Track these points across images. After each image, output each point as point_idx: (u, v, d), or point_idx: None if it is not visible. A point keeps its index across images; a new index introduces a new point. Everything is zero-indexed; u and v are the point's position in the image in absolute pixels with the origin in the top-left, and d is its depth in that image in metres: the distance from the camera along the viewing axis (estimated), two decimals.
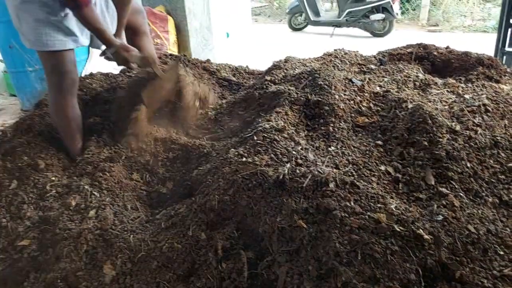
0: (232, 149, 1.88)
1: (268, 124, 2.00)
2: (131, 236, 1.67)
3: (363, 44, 7.40)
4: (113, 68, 3.28)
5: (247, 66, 3.68)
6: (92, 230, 1.70)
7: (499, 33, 3.94)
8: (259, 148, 1.83)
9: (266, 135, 1.91)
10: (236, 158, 1.78)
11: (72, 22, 2.13)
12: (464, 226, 1.42)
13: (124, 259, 1.59)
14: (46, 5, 2.04)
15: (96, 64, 3.69)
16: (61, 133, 2.32)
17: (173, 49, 4.54)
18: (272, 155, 1.78)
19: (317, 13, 8.65)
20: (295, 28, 9.33)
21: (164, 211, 1.80)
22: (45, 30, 2.06)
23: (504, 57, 3.96)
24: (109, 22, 2.34)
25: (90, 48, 3.69)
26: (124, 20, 2.43)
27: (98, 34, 2.18)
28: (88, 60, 3.76)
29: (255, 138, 1.91)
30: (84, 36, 2.25)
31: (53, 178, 2.05)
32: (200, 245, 1.55)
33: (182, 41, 4.65)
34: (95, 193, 1.92)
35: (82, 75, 3.17)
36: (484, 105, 1.96)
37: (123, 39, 2.45)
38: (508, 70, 2.73)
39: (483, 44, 5.70)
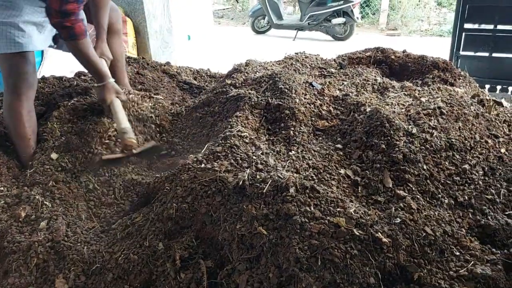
0: (191, 155, 1.83)
1: (228, 129, 1.97)
2: (85, 247, 1.59)
3: (325, 48, 7.50)
4: (70, 71, 3.16)
5: (208, 69, 3.64)
6: (43, 242, 1.61)
7: (454, 37, 4.08)
8: (218, 154, 1.79)
9: (226, 140, 1.87)
10: (194, 164, 1.74)
11: (30, 24, 2.03)
12: (422, 228, 1.44)
13: (77, 272, 1.52)
14: (5, 6, 1.96)
15: (51, 67, 3.54)
16: (14, 137, 2.21)
17: (132, 52, 4.43)
18: (232, 161, 1.75)
19: (279, 17, 8.71)
20: (258, 31, 9.36)
21: (120, 220, 1.73)
22: (3, 31, 1.98)
23: (459, 60, 4.11)
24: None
25: (44, 50, 3.54)
26: (105, 23, 2.39)
27: (90, 65, 2.16)
28: (41, 63, 3.61)
29: (215, 143, 1.88)
30: (42, 39, 2.16)
31: (2, 188, 1.93)
32: (157, 256, 1.49)
33: (142, 44, 4.55)
34: (47, 203, 1.83)
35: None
36: (439, 108, 2.00)
37: (104, 43, 2.40)
38: (462, 73, 2.83)
39: (439, 48, 5.90)
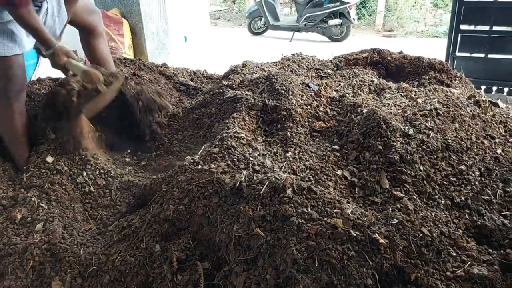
0: (188, 157, 1.83)
1: (224, 130, 1.97)
2: (82, 249, 1.59)
3: (322, 49, 7.51)
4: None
5: (205, 70, 3.63)
6: (39, 244, 1.61)
7: (450, 38, 4.10)
8: (215, 155, 1.79)
9: (222, 142, 1.87)
10: (191, 166, 1.73)
11: (18, 25, 2.02)
12: (418, 229, 1.44)
13: (74, 274, 1.51)
14: None
15: (47, 68, 3.53)
16: (7, 141, 2.20)
17: (128, 53, 4.42)
18: (229, 162, 1.75)
19: (276, 18, 8.72)
20: (255, 32, 9.36)
21: (117, 222, 1.73)
22: None
23: (455, 61, 4.13)
24: (57, 27, 2.26)
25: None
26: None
27: (35, 34, 2.07)
28: (37, 64, 3.59)
29: (211, 144, 1.88)
30: (31, 39, 2.15)
31: None
32: (154, 257, 1.49)
33: (138, 45, 4.54)
34: (43, 205, 1.82)
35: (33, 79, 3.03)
36: (436, 109, 2.01)
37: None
38: (458, 74, 2.84)
39: (435, 49, 5.92)
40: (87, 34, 2.52)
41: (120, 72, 2.52)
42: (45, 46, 2.16)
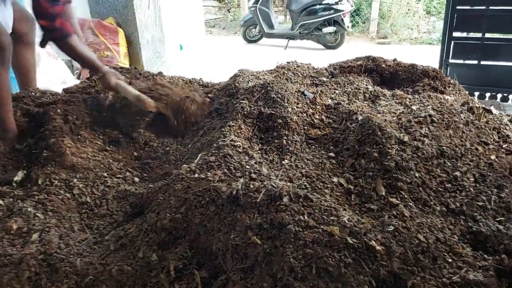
0: (184, 165, 1.84)
1: (221, 138, 1.97)
2: (78, 259, 1.58)
3: (316, 56, 7.57)
4: (61, 82, 3.16)
5: (200, 78, 3.64)
6: (35, 255, 1.59)
7: (443, 45, 4.15)
8: (212, 163, 1.80)
9: (219, 150, 1.88)
10: (188, 174, 1.74)
11: None
12: (414, 235, 1.45)
13: (70, 285, 1.50)
14: None
15: (43, 78, 3.53)
16: None
17: (124, 62, 4.43)
18: (226, 170, 1.75)
19: (271, 26, 8.79)
20: (250, 40, 9.42)
21: (113, 231, 1.72)
22: None
23: (448, 68, 4.17)
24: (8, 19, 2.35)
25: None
26: None
27: (86, 61, 2.27)
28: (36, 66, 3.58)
29: (208, 153, 1.88)
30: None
31: None
32: (151, 267, 1.49)
33: (134, 54, 4.55)
34: (39, 215, 1.81)
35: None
36: (430, 115, 2.02)
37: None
38: (452, 81, 2.86)
39: (429, 56, 5.97)
40: (16, 40, 2.53)
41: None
42: (95, 69, 2.33)
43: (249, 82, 2.71)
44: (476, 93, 4.14)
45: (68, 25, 2.19)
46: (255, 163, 1.85)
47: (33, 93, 2.70)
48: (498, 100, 4.14)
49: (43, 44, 2.34)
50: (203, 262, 1.50)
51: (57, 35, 2.16)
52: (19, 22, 2.49)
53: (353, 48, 8.27)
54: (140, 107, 2.35)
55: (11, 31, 2.41)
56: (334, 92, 2.58)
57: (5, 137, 2.29)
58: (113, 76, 2.40)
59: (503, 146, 2.04)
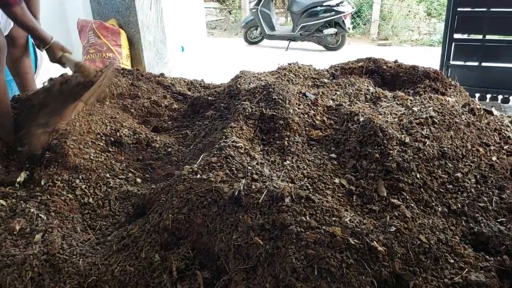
0: (186, 166, 1.84)
1: (223, 139, 1.98)
2: (81, 260, 1.58)
3: (317, 58, 7.56)
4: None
5: (202, 80, 3.65)
6: (38, 255, 1.60)
7: (444, 47, 4.16)
8: (214, 164, 1.80)
9: (221, 151, 1.88)
10: (190, 175, 1.74)
11: None
12: (416, 236, 1.45)
13: (73, 285, 1.50)
14: None
15: (48, 69, 3.53)
16: None
17: (126, 63, 4.44)
18: (227, 171, 1.76)
19: (272, 27, 8.79)
20: (251, 42, 9.42)
21: (116, 232, 1.73)
22: None
23: (449, 69, 4.18)
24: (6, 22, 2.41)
25: (37, 55, 3.55)
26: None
27: (30, 32, 2.29)
28: (38, 67, 3.59)
29: (210, 154, 1.89)
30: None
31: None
32: (154, 267, 1.49)
33: (136, 55, 4.56)
34: (42, 216, 1.82)
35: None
36: (431, 117, 2.03)
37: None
38: (453, 82, 2.87)
39: (430, 57, 5.98)
40: (11, 44, 2.56)
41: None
42: (41, 42, 2.36)
43: (251, 84, 2.72)
44: (477, 95, 4.14)
45: None
46: (257, 164, 1.85)
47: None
48: (499, 101, 4.14)
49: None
50: (205, 263, 1.51)
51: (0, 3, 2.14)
52: (14, 26, 2.52)
53: (354, 50, 8.27)
54: (80, 73, 2.36)
55: (7, 33, 2.45)
56: (336, 94, 2.59)
57: (6, 138, 2.30)
58: (59, 49, 2.42)
59: (504, 147, 2.05)
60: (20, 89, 2.85)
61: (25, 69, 2.75)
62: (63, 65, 2.48)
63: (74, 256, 1.61)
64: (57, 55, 2.41)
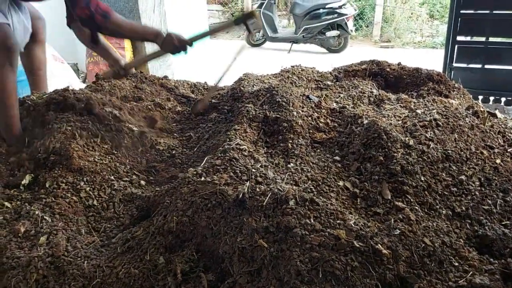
0: (190, 168, 1.85)
1: (226, 142, 1.98)
2: (85, 262, 1.59)
3: (320, 60, 7.57)
4: (67, 86, 3.17)
5: (205, 82, 3.66)
6: (42, 257, 1.60)
7: (447, 49, 4.16)
8: (218, 167, 1.81)
9: (225, 153, 1.89)
10: (194, 177, 1.75)
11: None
12: (420, 239, 1.45)
13: (78, 287, 1.51)
14: None
15: (52, 75, 3.53)
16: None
17: None
18: (232, 174, 1.76)
19: (274, 30, 8.81)
20: (254, 44, 9.44)
21: (120, 234, 1.73)
22: None
23: (452, 72, 4.17)
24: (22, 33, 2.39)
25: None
26: None
27: (136, 32, 2.35)
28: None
29: (214, 156, 1.89)
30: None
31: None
32: (158, 270, 1.50)
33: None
34: (47, 218, 1.83)
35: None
36: (435, 119, 2.03)
37: None
38: (456, 85, 2.87)
39: (433, 59, 5.98)
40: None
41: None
42: (152, 37, 2.36)
43: (254, 86, 2.73)
44: (480, 97, 4.14)
45: (102, 4, 2.16)
46: (261, 166, 1.86)
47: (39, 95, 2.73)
48: (502, 103, 4.14)
49: (94, 41, 2.37)
50: (209, 265, 1.51)
51: (99, 20, 2.13)
52: (33, 19, 2.52)
53: (357, 52, 8.27)
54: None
55: (29, 36, 2.46)
56: (339, 96, 2.59)
57: (12, 141, 2.31)
58: (176, 38, 2.37)
59: (508, 150, 2.05)
60: (31, 85, 2.86)
61: (38, 65, 2.74)
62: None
63: (79, 258, 1.62)
64: (180, 42, 2.37)
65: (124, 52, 4.38)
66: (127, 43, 4.43)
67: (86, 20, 2.14)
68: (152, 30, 2.30)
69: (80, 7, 2.09)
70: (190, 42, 2.39)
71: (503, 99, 4.16)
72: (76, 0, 2.10)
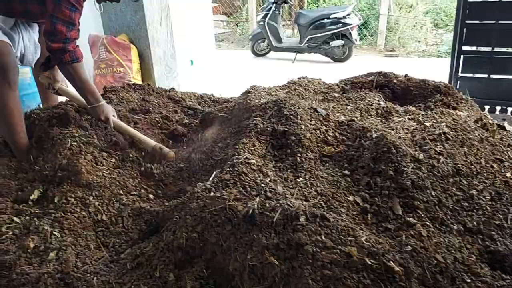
0: (199, 183, 1.84)
1: (235, 156, 1.98)
2: (95, 278, 1.59)
3: (325, 69, 7.59)
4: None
5: (212, 94, 3.67)
6: (52, 273, 1.60)
7: (453, 59, 4.15)
8: (227, 182, 1.80)
9: (233, 168, 1.88)
10: (203, 192, 1.74)
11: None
12: (432, 255, 1.43)
13: None
14: None
15: None
16: (3, 126, 2.30)
17: (136, 78, 4.48)
18: (241, 189, 1.75)
19: (279, 40, 8.84)
20: (258, 54, 9.48)
21: (129, 250, 1.73)
22: None
23: (458, 82, 4.17)
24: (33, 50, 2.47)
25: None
26: None
27: (85, 88, 2.34)
28: None
29: (222, 170, 1.89)
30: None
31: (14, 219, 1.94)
32: (168, 286, 1.49)
33: (146, 70, 4.60)
34: (56, 233, 1.83)
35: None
36: (445, 133, 2.02)
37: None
38: (464, 97, 2.86)
39: (438, 68, 5.97)
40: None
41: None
42: (93, 99, 2.38)
43: (261, 99, 2.73)
44: (487, 107, 4.13)
45: (79, 50, 2.27)
46: (270, 181, 1.85)
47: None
48: (509, 113, 4.12)
49: (45, 68, 2.42)
50: (220, 282, 1.50)
51: (67, 59, 2.22)
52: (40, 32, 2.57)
53: (361, 61, 8.29)
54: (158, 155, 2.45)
55: (40, 52, 2.53)
56: (346, 108, 2.59)
57: (21, 156, 2.32)
58: (111, 111, 2.45)
59: None
60: (42, 100, 2.89)
61: None
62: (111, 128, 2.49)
63: (88, 275, 1.61)
64: (109, 117, 2.42)
65: (131, 64, 4.41)
66: (134, 55, 4.45)
67: (55, 51, 2.21)
68: (93, 100, 2.38)
69: (58, 39, 2.17)
70: (112, 127, 2.47)
71: (509, 109, 4.14)
72: (59, 33, 2.15)
